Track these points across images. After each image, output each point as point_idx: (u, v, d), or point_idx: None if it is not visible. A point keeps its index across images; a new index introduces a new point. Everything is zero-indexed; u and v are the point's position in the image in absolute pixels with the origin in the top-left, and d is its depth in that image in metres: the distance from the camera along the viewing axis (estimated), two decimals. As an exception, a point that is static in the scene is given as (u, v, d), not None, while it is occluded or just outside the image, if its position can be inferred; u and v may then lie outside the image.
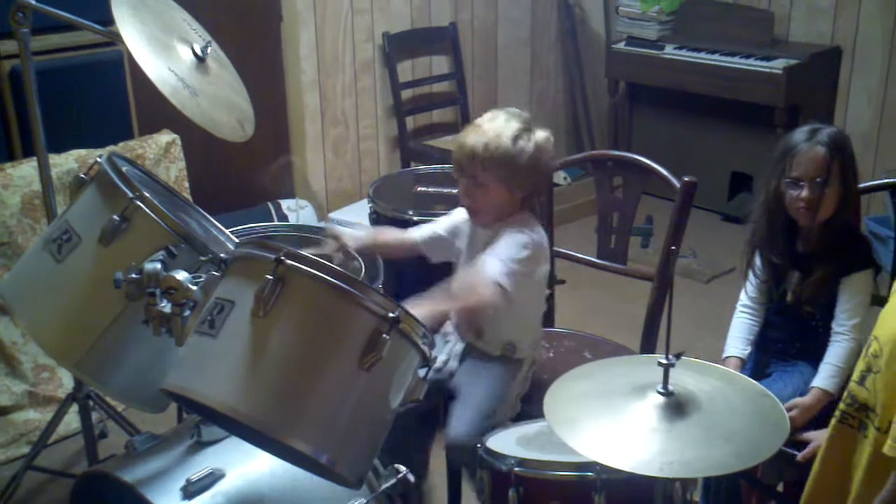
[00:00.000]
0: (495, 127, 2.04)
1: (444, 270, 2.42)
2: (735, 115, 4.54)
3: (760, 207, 2.23)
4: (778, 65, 4.18)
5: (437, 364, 2.17)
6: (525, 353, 2.18)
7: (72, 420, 2.75)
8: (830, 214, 2.13)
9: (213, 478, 1.64)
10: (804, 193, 2.13)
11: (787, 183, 2.16)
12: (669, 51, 4.56)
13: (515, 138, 2.03)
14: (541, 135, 2.06)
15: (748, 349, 2.24)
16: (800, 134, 2.17)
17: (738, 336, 2.26)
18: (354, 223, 3.83)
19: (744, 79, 4.27)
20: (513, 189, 2.07)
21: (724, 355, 2.26)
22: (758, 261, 2.26)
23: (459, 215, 2.23)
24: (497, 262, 1.97)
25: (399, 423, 1.62)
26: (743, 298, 2.32)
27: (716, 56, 4.39)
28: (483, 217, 2.12)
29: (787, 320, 2.24)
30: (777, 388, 2.10)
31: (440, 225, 2.26)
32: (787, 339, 2.23)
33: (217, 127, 2.03)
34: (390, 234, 2.34)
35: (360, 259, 2.52)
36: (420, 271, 2.86)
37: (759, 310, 2.27)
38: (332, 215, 4.17)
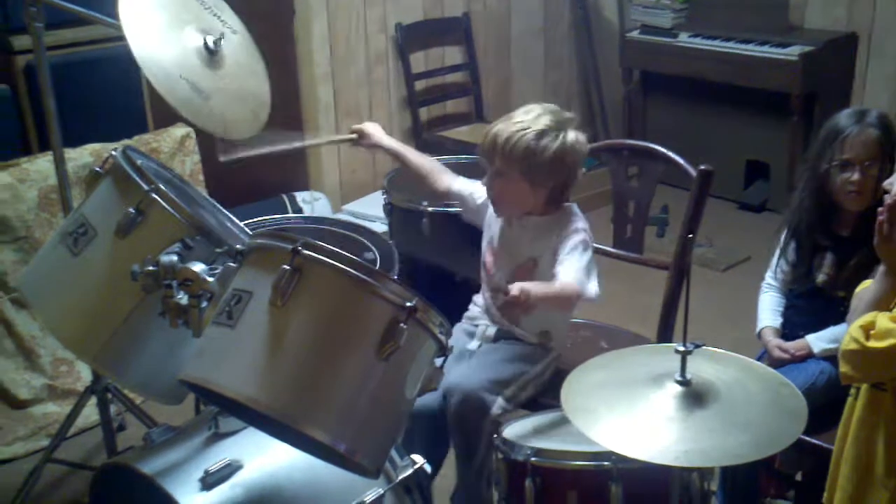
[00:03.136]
0: (524, 120, 2.03)
1: (458, 261, 2.42)
2: (750, 103, 4.50)
3: (804, 191, 2.23)
4: (793, 51, 4.14)
5: (472, 347, 2.17)
6: (558, 342, 2.18)
7: (90, 413, 2.77)
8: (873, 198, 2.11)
9: (230, 469, 1.64)
10: (855, 176, 2.11)
11: (836, 166, 2.14)
12: (684, 39, 4.53)
13: (541, 135, 2.01)
14: (571, 136, 2.05)
15: (780, 319, 2.27)
16: (846, 117, 2.16)
17: (769, 308, 2.32)
18: (369, 215, 3.84)
19: (759, 66, 4.24)
20: (535, 184, 2.05)
21: (759, 327, 2.30)
22: (791, 244, 2.27)
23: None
24: (580, 274, 2.00)
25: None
26: (768, 278, 2.34)
27: (730, 43, 4.35)
28: (503, 208, 2.11)
29: (814, 304, 2.23)
30: (792, 375, 2.09)
31: (479, 191, 2.24)
32: (813, 324, 2.23)
33: (230, 128, 2.01)
34: (425, 161, 2.33)
35: (374, 250, 2.52)
36: (435, 261, 2.86)
37: (783, 290, 2.31)
38: (347, 207, 4.17)
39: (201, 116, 1.94)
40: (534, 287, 1.88)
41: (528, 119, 2.03)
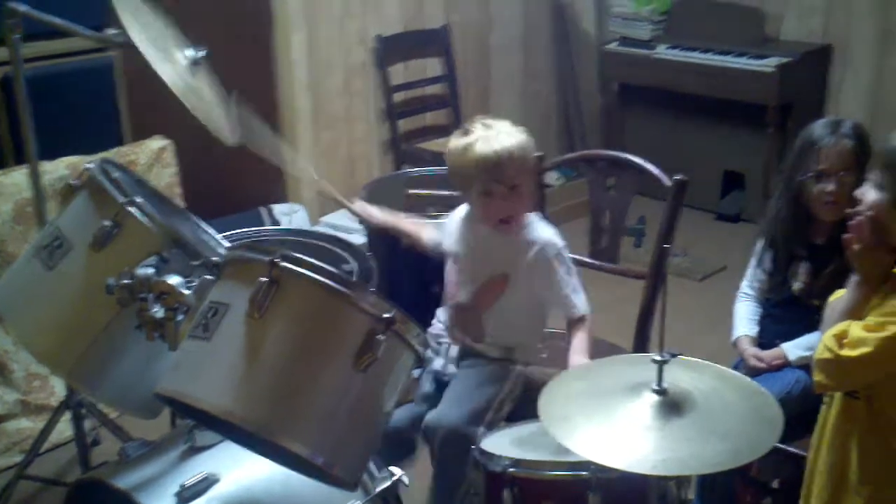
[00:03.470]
0: (500, 130, 2.02)
1: (436, 273, 2.42)
2: (727, 114, 4.54)
3: (780, 201, 2.25)
4: (770, 63, 4.19)
5: (437, 368, 2.16)
6: (526, 355, 2.18)
7: (64, 428, 2.74)
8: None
9: (207, 483, 1.63)
10: (830, 187, 2.13)
11: (812, 177, 2.16)
12: (661, 50, 4.57)
13: (520, 132, 2.03)
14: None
15: (756, 328, 2.28)
16: (821, 127, 2.18)
17: (745, 317, 2.32)
18: (348, 227, 3.83)
19: (736, 78, 4.28)
20: (532, 183, 2.06)
21: (735, 336, 2.30)
22: (767, 253, 2.29)
23: (454, 217, 2.22)
24: (579, 294, 2.10)
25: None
26: (744, 287, 2.36)
27: (708, 55, 4.40)
28: (518, 222, 2.08)
29: (790, 313, 2.25)
30: (768, 384, 2.10)
31: (441, 228, 2.24)
32: (789, 332, 2.25)
33: (223, 132, 2.03)
34: (412, 224, 2.31)
35: (352, 262, 2.52)
36: (413, 273, 2.87)
37: (759, 299, 2.32)
38: (325, 219, 4.16)
39: (208, 120, 1.95)
40: (585, 353, 2.01)
41: (499, 126, 2.02)
